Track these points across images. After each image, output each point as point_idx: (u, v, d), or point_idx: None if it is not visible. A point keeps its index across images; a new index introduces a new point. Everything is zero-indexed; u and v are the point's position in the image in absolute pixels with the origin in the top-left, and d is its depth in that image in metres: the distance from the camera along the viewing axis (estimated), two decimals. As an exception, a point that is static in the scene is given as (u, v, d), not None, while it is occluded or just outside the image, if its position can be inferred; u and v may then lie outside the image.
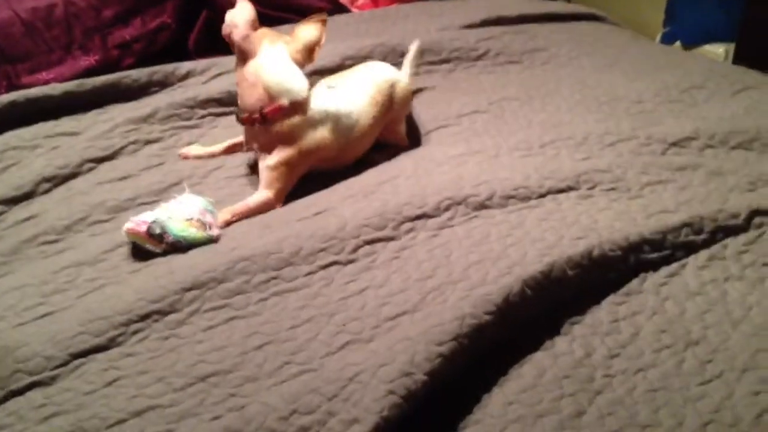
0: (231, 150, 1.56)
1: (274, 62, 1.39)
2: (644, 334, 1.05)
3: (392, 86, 1.56)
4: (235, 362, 1.01)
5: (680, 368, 1.00)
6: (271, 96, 1.38)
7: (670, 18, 3.39)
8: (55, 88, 1.69)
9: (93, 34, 1.87)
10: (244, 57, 1.40)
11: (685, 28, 3.22)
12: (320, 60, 1.80)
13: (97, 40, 1.87)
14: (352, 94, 1.49)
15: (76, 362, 1.02)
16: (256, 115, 1.38)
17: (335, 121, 1.44)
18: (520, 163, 1.47)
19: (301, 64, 1.42)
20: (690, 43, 3.13)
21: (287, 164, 1.39)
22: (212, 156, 1.55)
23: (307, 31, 1.43)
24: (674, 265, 1.19)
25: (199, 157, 1.55)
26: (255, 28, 1.41)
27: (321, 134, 1.42)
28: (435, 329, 0.99)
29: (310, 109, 1.40)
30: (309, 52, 1.43)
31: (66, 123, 1.65)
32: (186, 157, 1.55)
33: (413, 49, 1.76)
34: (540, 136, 1.59)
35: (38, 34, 1.81)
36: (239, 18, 1.40)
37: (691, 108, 1.75)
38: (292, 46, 1.41)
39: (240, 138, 1.50)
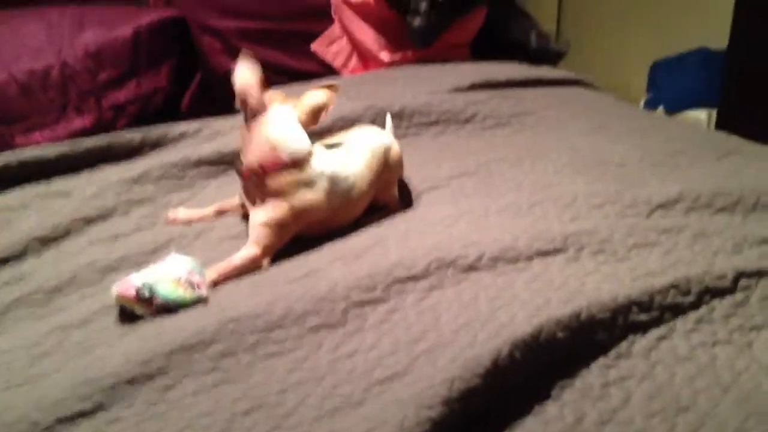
0: (220, 213, 1.57)
1: (280, 120, 1.42)
2: (635, 400, 1.04)
3: (387, 151, 1.59)
4: (223, 428, 1.00)
5: (671, 434, 1.00)
6: (272, 151, 1.40)
7: (652, 84, 3.48)
8: (49, 149, 1.70)
9: (88, 96, 1.89)
10: (253, 115, 1.42)
11: (667, 93, 3.30)
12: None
13: (91, 102, 1.89)
14: (350, 158, 1.52)
15: (61, 427, 1.00)
16: (255, 167, 1.40)
17: (331, 182, 1.45)
18: (509, 224, 1.48)
19: (305, 126, 1.45)
20: (673, 109, 3.21)
21: (278, 222, 1.40)
22: (201, 219, 1.56)
23: (316, 95, 1.47)
24: (663, 328, 1.20)
25: (187, 221, 1.55)
26: (265, 88, 1.43)
27: (315, 195, 1.43)
28: (425, 393, 0.98)
29: (308, 168, 1.42)
30: (315, 115, 1.47)
31: (58, 183, 1.66)
32: (173, 222, 1.55)
33: (388, 120, 1.83)
34: (528, 198, 1.61)
35: (34, 96, 1.83)
36: (250, 82, 1.41)
37: (675, 171, 1.78)
38: (299, 108, 1.45)
39: (229, 201, 1.51)
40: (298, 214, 1.42)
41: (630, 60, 3.87)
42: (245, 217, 1.49)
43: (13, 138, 1.80)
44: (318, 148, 1.50)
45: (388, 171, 1.59)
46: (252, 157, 1.41)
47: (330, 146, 1.53)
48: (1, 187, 1.63)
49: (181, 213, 1.56)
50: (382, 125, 1.94)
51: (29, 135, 1.82)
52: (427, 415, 0.94)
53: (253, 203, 1.43)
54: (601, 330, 1.16)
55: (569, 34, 3.68)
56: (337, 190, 1.47)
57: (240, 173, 1.44)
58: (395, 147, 1.63)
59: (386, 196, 1.62)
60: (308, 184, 1.42)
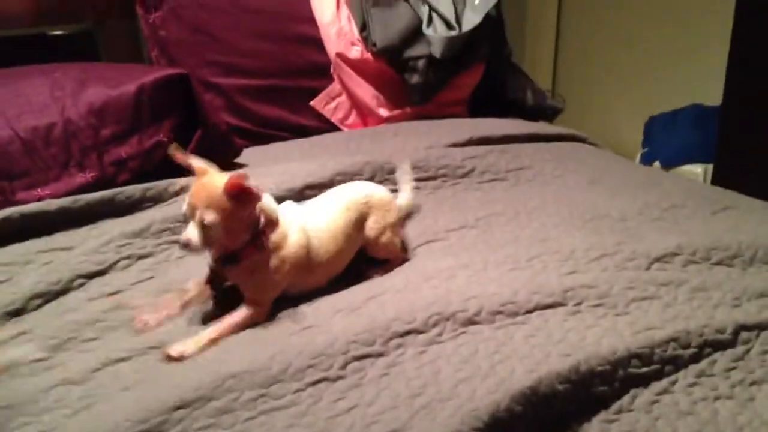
0: (185, 306, 1.46)
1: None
2: (637, 455, 1.04)
3: (366, 202, 1.59)
4: (221, 485, 0.99)
5: (675, 491, 0.98)
6: (267, 217, 1.41)
7: (647, 139, 3.52)
8: (50, 204, 1.71)
9: (90, 152, 1.91)
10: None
11: (663, 149, 3.33)
12: (311, 176, 1.88)
13: (93, 157, 1.91)
14: (321, 208, 1.54)
15: (58, 485, 0.99)
16: (258, 235, 1.39)
17: (306, 231, 1.46)
18: (508, 278, 1.49)
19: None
20: (668, 164, 3.24)
21: (267, 281, 1.41)
22: (169, 316, 1.43)
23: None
24: (664, 381, 1.19)
25: (159, 323, 1.41)
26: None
27: (297, 241, 1.44)
28: (425, 449, 0.97)
29: (283, 221, 1.44)
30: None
31: (59, 238, 1.67)
32: (144, 329, 1.39)
33: (406, 167, 1.83)
34: (527, 250, 1.62)
35: (36, 152, 1.85)
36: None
37: (673, 225, 1.79)
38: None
39: (191, 294, 1.47)
40: (278, 268, 1.41)
41: (625, 116, 3.92)
42: (215, 296, 1.48)
43: (15, 194, 1.81)
44: (288, 203, 1.54)
45: (373, 220, 1.58)
46: (242, 239, 1.38)
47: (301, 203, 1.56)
48: (3, 242, 1.63)
49: (149, 319, 1.41)
50: (382, 180, 1.97)
51: (31, 191, 1.83)
52: (427, 471, 0.93)
53: (242, 272, 1.41)
54: (600, 383, 1.15)
55: (565, 91, 3.74)
56: (313, 238, 1.47)
57: (237, 255, 1.39)
58: (377, 196, 1.62)
59: (386, 248, 1.61)
60: (288, 235, 1.43)
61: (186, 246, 1.32)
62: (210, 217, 1.31)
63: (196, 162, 1.39)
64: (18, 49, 2.71)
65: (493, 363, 1.21)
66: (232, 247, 1.39)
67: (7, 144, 1.81)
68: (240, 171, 1.33)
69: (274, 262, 1.41)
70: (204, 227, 1.31)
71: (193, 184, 1.36)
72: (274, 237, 1.41)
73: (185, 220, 1.34)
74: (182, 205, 1.35)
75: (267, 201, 1.43)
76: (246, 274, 1.41)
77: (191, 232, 1.32)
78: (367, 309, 1.38)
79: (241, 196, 1.33)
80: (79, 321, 1.39)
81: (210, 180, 1.36)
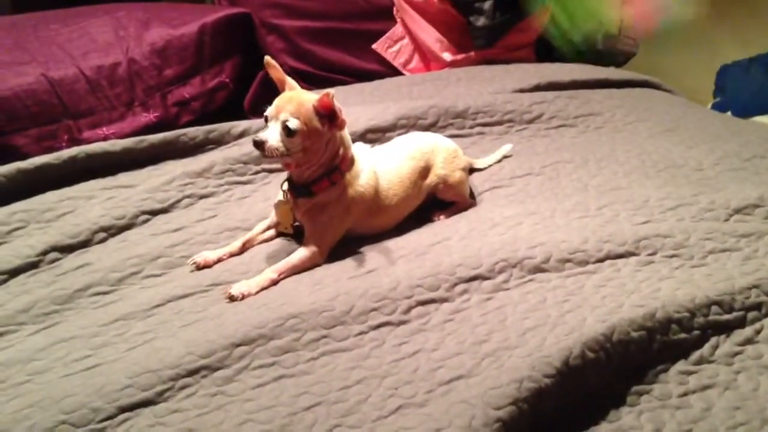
0: (247, 245, 1.45)
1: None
2: (717, 410, 0.98)
3: (432, 150, 1.56)
4: (283, 423, 0.98)
5: (757, 448, 0.94)
6: (345, 152, 1.40)
7: (719, 90, 3.36)
8: (115, 144, 1.72)
9: (154, 92, 1.91)
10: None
11: (735, 99, 3.18)
12: (373, 120, 1.83)
13: (157, 98, 1.91)
14: (389, 153, 1.53)
15: (123, 416, 1.00)
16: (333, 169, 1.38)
17: (376, 173, 1.45)
18: (577, 226, 1.43)
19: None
20: (741, 115, 3.08)
21: (331, 217, 1.39)
22: (231, 255, 1.42)
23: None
24: (748, 330, 1.13)
25: (218, 261, 1.40)
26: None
27: (368, 181, 1.42)
28: (493, 392, 0.95)
29: (357, 160, 1.43)
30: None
31: (123, 178, 1.67)
32: (203, 265, 1.38)
33: (507, 149, 1.81)
34: (597, 199, 1.56)
35: (101, 90, 1.86)
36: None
37: (753, 176, 1.69)
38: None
39: (255, 231, 1.47)
40: (347, 207, 1.40)
41: (697, 63, 3.74)
42: (280, 235, 1.47)
43: (81, 132, 1.83)
44: (360, 144, 1.51)
45: (439, 168, 1.54)
46: (326, 159, 1.37)
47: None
48: (68, 182, 1.65)
49: (209, 255, 1.41)
50: (446, 125, 1.91)
51: (96, 130, 1.84)
52: (496, 415, 0.91)
53: (302, 207, 1.40)
54: (678, 330, 1.10)
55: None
56: (381, 183, 1.45)
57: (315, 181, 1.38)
58: (442, 146, 1.59)
59: (453, 192, 1.58)
60: (358, 176, 1.41)
61: (260, 146, 1.28)
62: (294, 123, 1.28)
63: (288, 78, 1.37)
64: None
65: (562, 312, 1.17)
66: (306, 172, 1.36)
67: (72, 82, 1.82)
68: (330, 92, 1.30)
69: (344, 200, 1.39)
70: (285, 130, 1.28)
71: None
72: (348, 174, 1.39)
73: (266, 121, 1.31)
74: (267, 107, 1.32)
75: (347, 136, 1.40)
76: (316, 210, 1.39)
77: (271, 133, 1.28)
78: (431, 254, 1.35)
79: (329, 117, 1.31)
80: (143, 256, 1.40)
81: (300, 94, 1.34)
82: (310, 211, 1.40)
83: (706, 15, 3.60)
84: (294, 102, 1.30)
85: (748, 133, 2.01)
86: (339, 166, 1.38)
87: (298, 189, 1.39)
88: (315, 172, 1.37)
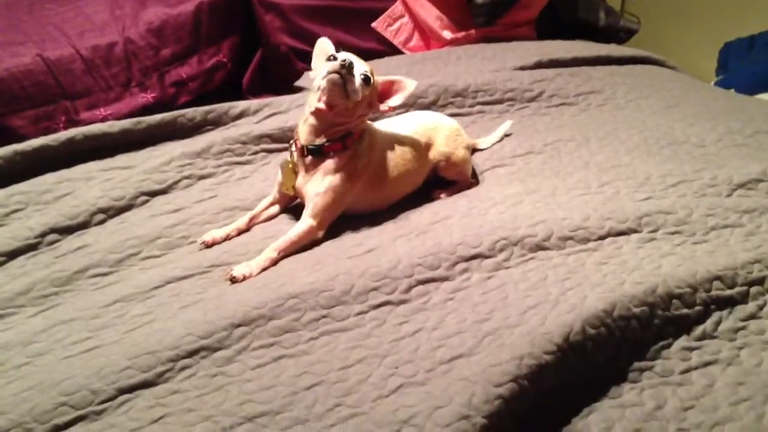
0: (253, 221, 1.46)
1: None
2: (719, 386, 0.98)
3: (435, 128, 1.57)
4: (284, 403, 0.98)
5: (760, 423, 0.93)
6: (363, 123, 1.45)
7: (722, 67, 3.33)
8: (113, 126, 1.71)
9: (151, 72, 1.89)
10: None
11: (738, 76, 3.15)
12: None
13: (154, 78, 1.89)
14: (392, 129, 1.53)
15: (123, 398, 0.99)
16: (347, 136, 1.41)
17: (381, 147, 1.47)
18: (579, 203, 1.42)
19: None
20: (744, 92, 3.06)
21: (332, 188, 1.38)
22: (239, 232, 1.43)
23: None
24: (751, 305, 1.12)
25: (225, 238, 1.41)
26: None
27: (373, 153, 1.44)
28: (493, 369, 0.94)
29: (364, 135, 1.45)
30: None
31: (121, 158, 1.66)
32: (211, 243, 1.39)
33: (507, 126, 1.82)
34: (598, 176, 1.54)
35: (98, 71, 1.83)
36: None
37: (756, 152, 1.68)
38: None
39: (260, 207, 1.48)
40: (350, 177, 1.40)
41: (699, 40, 3.71)
42: (284, 201, 1.49)
43: (78, 113, 1.80)
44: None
45: (440, 146, 1.55)
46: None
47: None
48: (66, 162, 1.64)
49: (217, 233, 1.42)
50: (446, 104, 1.90)
51: (93, 110, 1.82)
52: (496, 392, 0.90)
53: (306, 172, 1.41)
54: (680, 305, 1.09)
55: (635, 13, 3.54)
56: (385, 154, 1.47)
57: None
58: (444, 126, 1.59)
59: (455, 170, 1.58)
60: (363, 148, 1.43)
61: (349, 67, 1.34)
62: (371, 79, 1.39)
63: None
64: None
65: (563, 290, 1.16)
66: (330, 129, 1.39)
67: (69, 62, 1.80)
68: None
69: (349, 169, 1.40)
70: (365, 80, 1.37)
71: None
72: (356, 144, 1.42)
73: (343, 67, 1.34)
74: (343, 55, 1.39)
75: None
76: (322, 174, 1.39)
77: (360, 67, 1.37)
78: (432, 233, 1.34)
79: (380, 98, 1.43)
80: (142, 237, 1.39)
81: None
82: (316, 176, 1.39)
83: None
84: (368, 65, 1.41)
85: (751, 109, 1.99)
86: (353, 133, 1.41)
87: (310, 148, 1.40)
88: (336, 133, 1.40)
